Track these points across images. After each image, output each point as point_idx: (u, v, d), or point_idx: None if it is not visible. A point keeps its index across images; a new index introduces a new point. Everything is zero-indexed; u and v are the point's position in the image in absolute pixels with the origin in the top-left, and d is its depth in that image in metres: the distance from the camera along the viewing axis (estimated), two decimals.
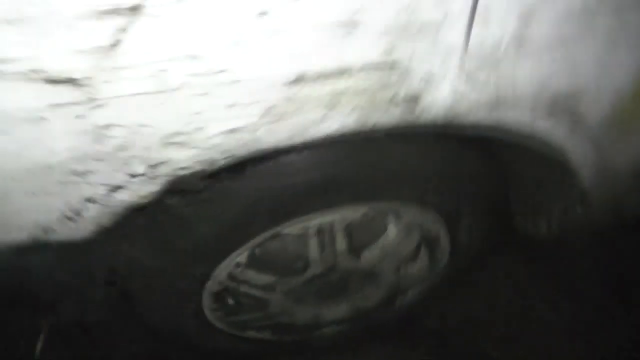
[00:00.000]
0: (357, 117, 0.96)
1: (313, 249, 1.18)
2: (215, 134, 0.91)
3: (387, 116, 0.97)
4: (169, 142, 0.90)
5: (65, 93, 0.81)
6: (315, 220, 1.13)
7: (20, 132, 0.82)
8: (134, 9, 0.79)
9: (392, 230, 1.25)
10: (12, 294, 1.06)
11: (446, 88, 0.97)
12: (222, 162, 0.94)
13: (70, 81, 0.81)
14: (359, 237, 1.22)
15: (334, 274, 1.27)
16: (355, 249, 1.24)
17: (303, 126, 0.94)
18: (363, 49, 0.89)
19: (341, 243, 1.20)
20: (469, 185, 1.18)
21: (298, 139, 0.95)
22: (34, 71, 0.79)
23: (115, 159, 0.88)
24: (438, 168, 1.12)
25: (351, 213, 1.14)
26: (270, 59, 0.87)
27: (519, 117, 1.04)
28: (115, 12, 0.78)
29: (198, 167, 0.94)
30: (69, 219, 0.93)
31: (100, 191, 0.91)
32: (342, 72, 0.91)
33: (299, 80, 0.89)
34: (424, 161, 1.10)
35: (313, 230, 1.15)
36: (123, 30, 0.80)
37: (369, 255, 1.27)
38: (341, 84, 0.92)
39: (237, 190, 1.01)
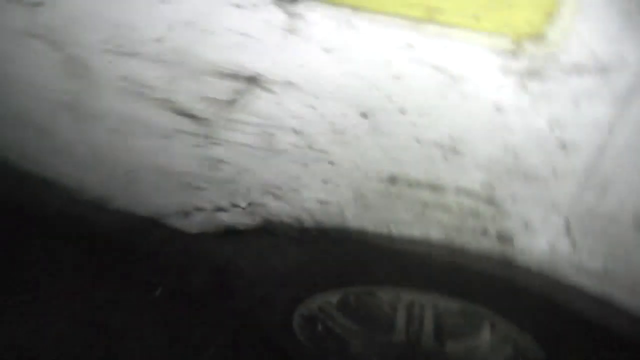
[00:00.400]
0: (444, 234, 0.92)
1: (400, 319, 1.18)
2: (308, 199, 0.96)
3: (476, 245, 0.91)
4: (267, 191, 0.99)
5: (188, 124, 0.95)
6: (408, 295, 1.12)
7: (152, 142, 1.00)
8: (251, 80, 0.87)
9: (484, 335, 1.17)
10: None
11: (544, 242, 0.87)
12: (311, 224, 1.00)
13: (193, 117, 0.94)
14: (452, 325, 1.18)
15: (415, 348, 1.25)
16: (442, 335, 1.20)
17: (389, 222, 0.94)
18: (459, 175, 0.85)
19: (428, 325, 1.17)
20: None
21: (383, 231, 0.96)
22: (166, 100, 0.93)
23: (222, 188, 1.01)
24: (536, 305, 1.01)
25: (444, 303, 1.11)
26: (368, 154, 0.88)
27: (631, 300, 0.88)
28: (234, 77, 0.88)
29: (290, 220, 1.01)
30: (182, 214, 1.10)
31: (207, 206, 1.05)
32: (435, 188, 0.88)
33: (392, 180, 0.89)
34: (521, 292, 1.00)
35: (404, 303, 1.14)
36: (240, 92, 0.89)
37: (453, 347, 1.22)
38: (432, 197, 0.89)
39: (331, 247, 1.06)
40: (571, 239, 0.87)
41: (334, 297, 1.21)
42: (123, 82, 0.93)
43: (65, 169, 1.14)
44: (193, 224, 1.10)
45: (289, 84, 0.85)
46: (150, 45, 0.89)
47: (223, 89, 0.89)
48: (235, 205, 1.03)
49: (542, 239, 0.87)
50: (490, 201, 0.85)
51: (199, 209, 1.07)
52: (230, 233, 1.10)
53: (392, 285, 1.11)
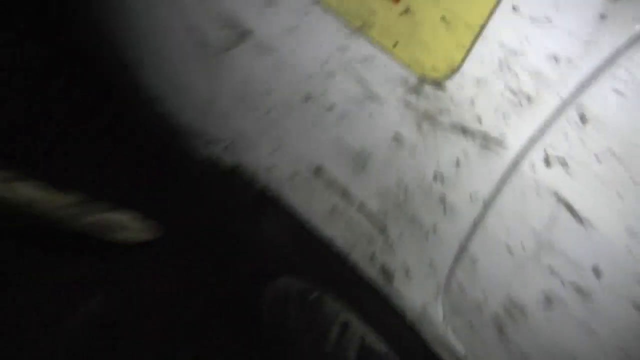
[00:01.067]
0: (343, 244, 0.94)
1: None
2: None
3: (363, 268, 0.92)
4: None
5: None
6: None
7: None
8: None
9: None
10: None
11: (418, 297, 0.85)
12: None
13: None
14: None
15: None
16: None
17: (309, 212, 0.97)
18: (364, 191, 0.86)
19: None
20: None
21: (304, 218, 0.98)
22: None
23: None
24: None
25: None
26: (303, 138, 0.92)
27: None
28: None
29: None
30: None
31: None
32: (345, 195, 0.89)
33: (317, 171, 0.92)
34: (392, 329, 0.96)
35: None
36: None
37: None
38: (341, 204, 0.90)
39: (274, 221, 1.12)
40: (441, 310, 0.84)
41: (293, 285, 1.26)
42: None
43: None
44: None
45: None
46: None
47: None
48: None
49: (416, 294, 0.85)
50: (382, 231, 0.85)
51: None
52: None
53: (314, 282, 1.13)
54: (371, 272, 0.90)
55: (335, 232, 0.93)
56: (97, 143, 1.52)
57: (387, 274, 0.88)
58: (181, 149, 1.16)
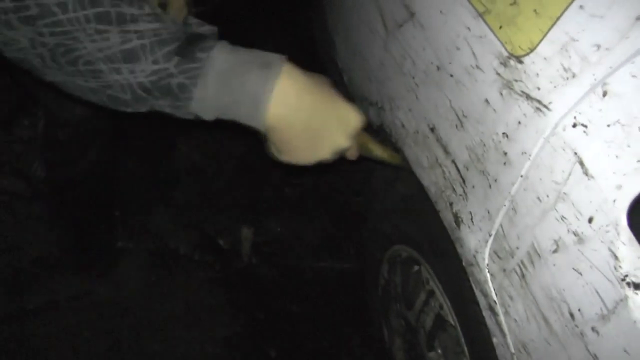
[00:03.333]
0: (434, 191, 1.15)
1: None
2: None
3: (442, 214, 1.12)
4: None
5: None
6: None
7: None
8: None
9: None
10: None
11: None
12: None
13: None
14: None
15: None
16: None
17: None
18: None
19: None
20: None
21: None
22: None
23: None
24: None
25: None
26: None
27: None
28: None
29: None
30: None
31: None
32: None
33: (431, 129, 1.16)
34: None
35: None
36: None
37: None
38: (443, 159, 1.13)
39: None
40: (487, 256, 1.01)
41: (404, 253, 1.47)
42: None
43: None
44: None
45: None
46: None
47: None
48: None
49: (473, 239, 1.04)
50: (463, 181, 1.06)
51: None
52: None
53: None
54: (447, 217, 1.10)
55: (431, 181, 1.15)
56: None
57: (457, 219, 1.07)
58: None
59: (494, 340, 1.01)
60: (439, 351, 1.41)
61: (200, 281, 1.98)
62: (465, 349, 1.21)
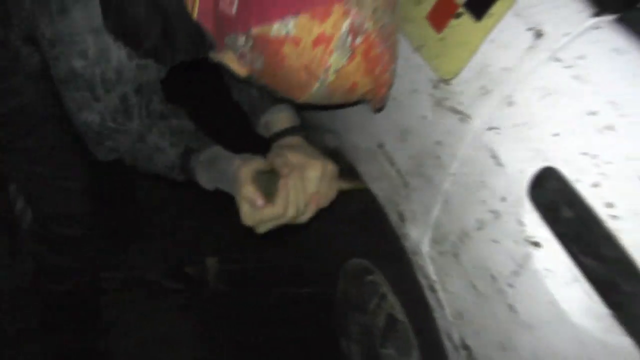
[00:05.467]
0: (383, 189, 1.37)
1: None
2: None
3: (391, 218, 1.34)
4: None
5: None
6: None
7: None
8: None
9: None
10: None
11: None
12: None
13: None
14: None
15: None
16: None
17: None
18: None
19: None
20: None
21: None
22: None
23: None
24: None
25: None
26: None
27: None
28: None
29: None
30: None
31: None
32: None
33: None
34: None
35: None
36: None
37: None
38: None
39: None
40: (427, 244, 1.23)
41: (360, 265, 1.68)
42: None
43: None
44: None
45: None
46: None
47: None
48: None
49: (415, 232, 1.25)
50: (406, 185, 1.28)
51: None
52: None
53: None
54: (394, 217, 1.32)
55: (381, 189, 1.37)
56: None
57: (402, 217, 1.29)
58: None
59: (435, 315, 1.21)
60: (392, 350, 1.60)
61: (170, 307, 2.12)
62: (412, 335, 1.41)
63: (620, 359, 0.81)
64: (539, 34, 0.99)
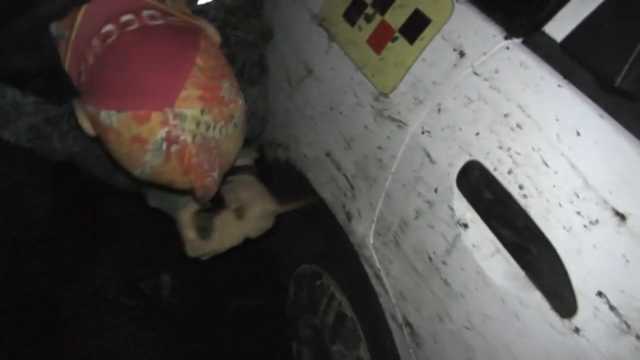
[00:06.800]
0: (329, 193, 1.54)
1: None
2: None
3: (340, 221, 1.51)
4: None
5: None
6: None
7: None
8: None
9: None
10: None
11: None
12: None
13: None
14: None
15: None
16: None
17: None
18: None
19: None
20: None
21: None
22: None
23: None
24: None
25: None
26: None
27: None
28: None
29: None
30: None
31: None
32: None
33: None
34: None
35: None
36: None
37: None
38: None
39: None
40: (371, 237, 1.40)
41: (308, 270, 1.83)
42: None
43: None
44: None
45: None
46: None
47: None
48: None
49: (361, 228, 1.42)
50: (352, 187, 1.46)
51: None
52: None
53: None
54: (341, 217, 1.49)
55: (329, 193, 1.54)
56: None
57: (349, 216, 1.46)
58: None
59: (381, 299, 1.38)
60: (341, 346, 1.75)
61: (128, 320, 2.21)
62: (360, 328, 1.57)
63: (533, 309, 0.99)
64: (462, 54, 1.19)
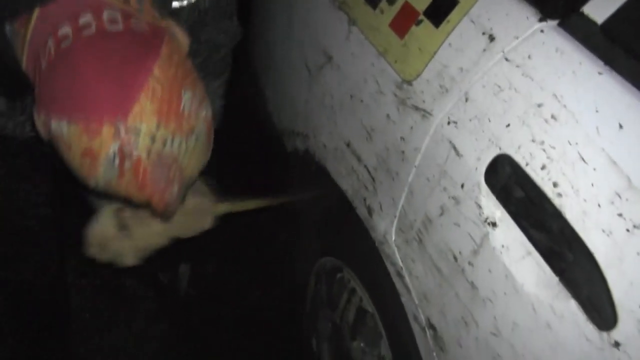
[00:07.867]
0: (349, 185, 1.46)
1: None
2: None
3: (361, 214, 1.43)
4: None
5: None
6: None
7: None
8: None
9: None
10: None
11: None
12: None
13: None
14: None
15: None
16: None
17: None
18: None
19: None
20: None
21: None
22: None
23: None
24: None
25: None
26: None
27: None
28: None
29: None
30: None
31: None
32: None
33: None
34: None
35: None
36: None
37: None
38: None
39: None
40: (393, 233, 1.32)
41: (329, 263, 1.76)
42: None
43: None
44: None
45: None
46: None
47: None
48: None
49: (382, 224, 1.35)
50: (373, 180, 1.38)
51: None
52: None
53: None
54: (362, 211, 1.41)
55: (349, 185, 1.46)
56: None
57: (370, 211, 1.39)
58: (276, 143, 1.81)
59: (403, 299, 1.30)
60: (362, 342, 1.68)
61: (144, 312, 2.17)
62: (381, 325, 1.50)
63: (567, 320, 0.91)
64: (491, 38, 1.10)
